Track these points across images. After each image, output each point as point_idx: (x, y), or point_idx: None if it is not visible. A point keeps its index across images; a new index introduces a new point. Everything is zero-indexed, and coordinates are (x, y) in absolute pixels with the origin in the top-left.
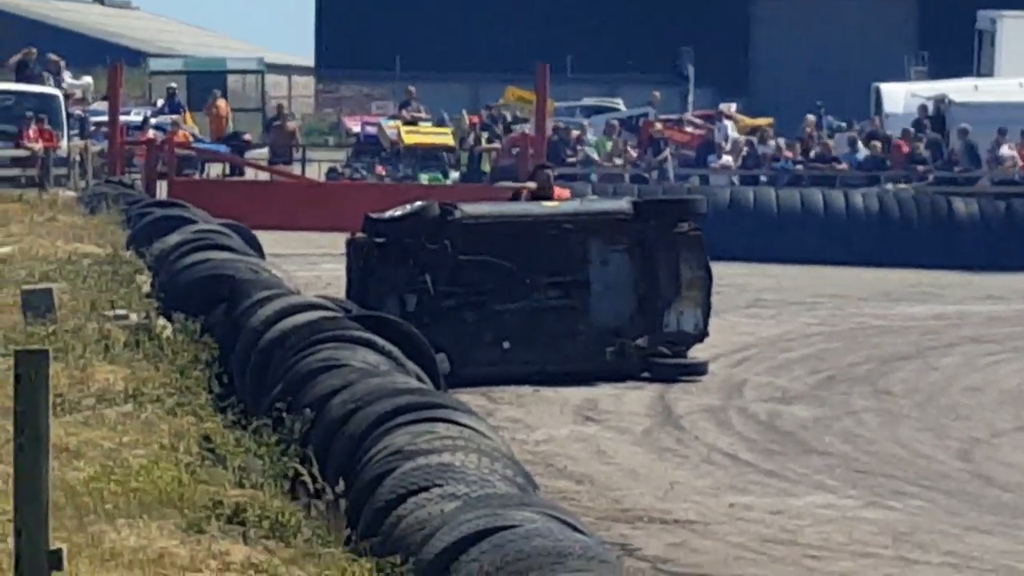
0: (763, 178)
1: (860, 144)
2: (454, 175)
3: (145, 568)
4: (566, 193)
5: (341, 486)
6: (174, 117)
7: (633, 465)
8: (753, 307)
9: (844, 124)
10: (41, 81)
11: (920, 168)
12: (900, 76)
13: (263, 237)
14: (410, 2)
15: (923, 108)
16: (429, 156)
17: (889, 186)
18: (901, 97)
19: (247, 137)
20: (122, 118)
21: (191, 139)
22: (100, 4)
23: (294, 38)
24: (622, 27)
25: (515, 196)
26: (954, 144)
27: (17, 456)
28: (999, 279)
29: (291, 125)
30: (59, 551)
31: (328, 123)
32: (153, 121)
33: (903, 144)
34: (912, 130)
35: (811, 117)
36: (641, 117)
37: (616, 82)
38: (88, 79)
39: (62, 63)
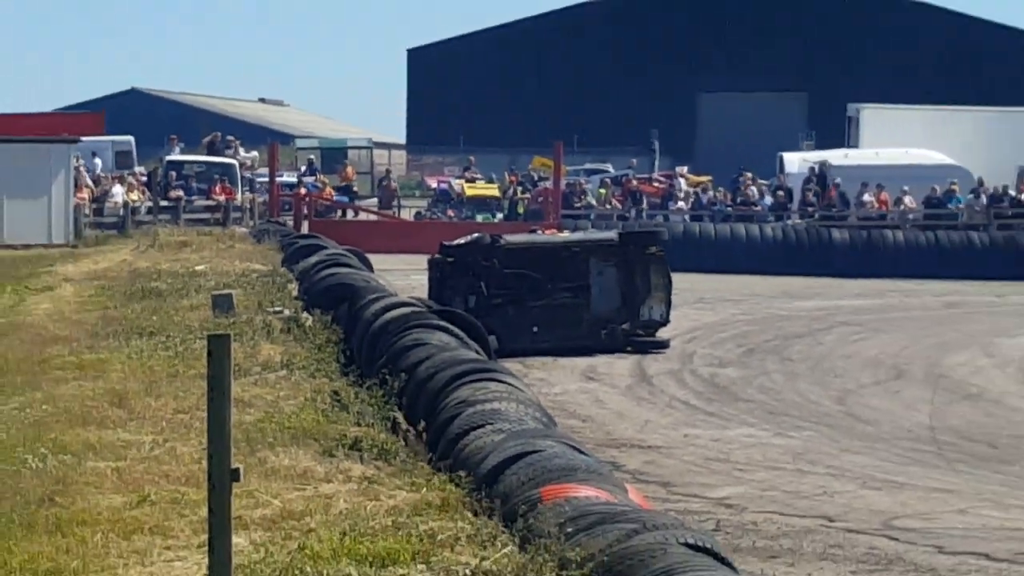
0: (705, 216)
1: (768, 193)
2: (499, 216)
3: (295, 479)
4: (554, 229)
5: (424, 425)
6: (314, 179)
7: (620, 409)
8: (700, 303)
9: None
10: (223, 154)
11: (810, 209)
12: (796, 147)
13: (373, 258)
14: (470, 99)
15: (812, 169)
16: (482, 203)
17: (790, 221)
18: (796, 161)
19: (355, 189)
20: (278, 179)
21: (333, 194)
22: (263, 102)
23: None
24: (612, 115)
25: (534, 230)
26: (832, 193)
27: (210, 406)
28: (862, 283)
29: (393, 184)
30: (238, 469)
31: (415, 181)
32: (300, 180)
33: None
34: (806, 184)
35: (749, 174)
36: (624, 176)
37: (607, 153)
38: (255, 153)
39: (237, 143)
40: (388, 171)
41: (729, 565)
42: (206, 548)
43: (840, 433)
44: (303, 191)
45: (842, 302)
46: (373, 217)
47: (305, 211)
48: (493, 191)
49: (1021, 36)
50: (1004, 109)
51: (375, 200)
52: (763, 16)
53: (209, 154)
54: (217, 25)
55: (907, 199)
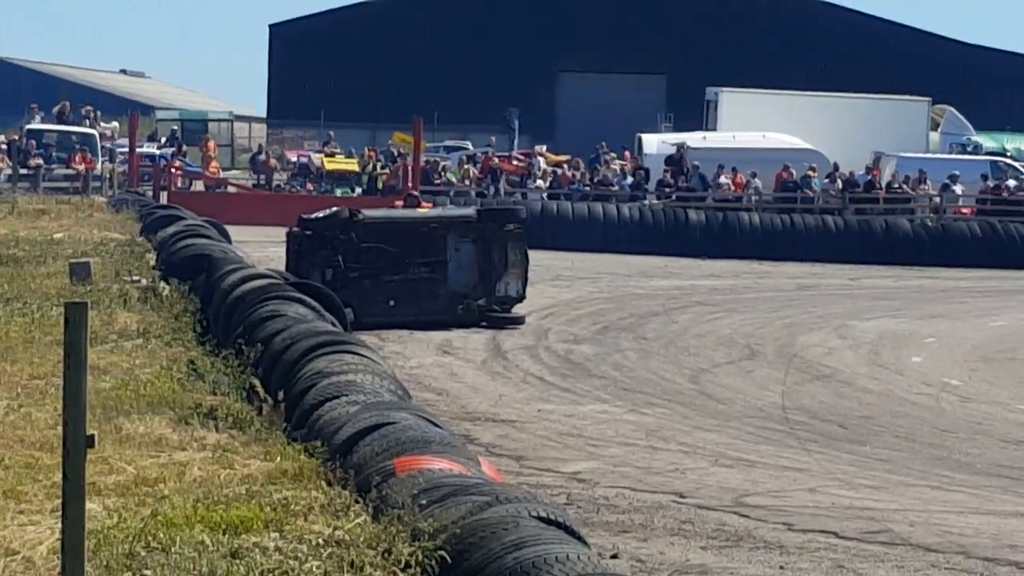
0: (563, 196)
1: (628, 174)
2: (358, 190)
3: (149, 446)
4: (429, 206)
5: (280, 396)
6: (173, 150)
7: (475, 383)
8: (556, 280)
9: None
10: (83, 124)
11: (667, 189)
12: (655, 129)
13: (231, 230)
14: (332, 75)
15: (670, 152)
16: (342, 178)
17: (647, 202)
18: (655, 143)
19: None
20: (138, 150)
21: (183, 167)
22: (124, 73)
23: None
24: (471, 92)
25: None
26: (689, 174)
27: (66, 373)
28: (717, 264)
29: (272, 161)
30: (92, 435)
31: (276, 154)
32: (158, 152)
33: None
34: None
35: (612, 154)
36: (483, 153)
37: (467, 130)
38: (115, 123)
39: (97, 113)
40: (261, 146)
41: (580, 539)
42: (60, 513)
43: (693, 411)
44: (178, 164)
45: (697, 282)
46: (232, 189)
47: (163, 183)
48: (352, 166)
49: (879, 24)
50: (860, 96)
51: (235, 173)
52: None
53: (58, 123)
54: None
55: (756, 181)
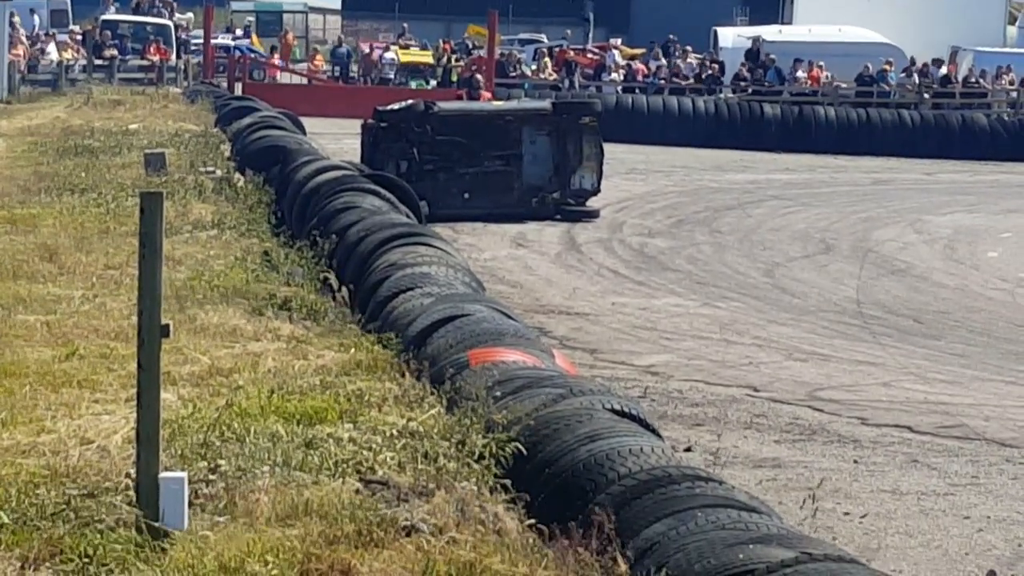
0: (638, 88)
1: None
2: (433, 83)
3: (224, 337)
4: (488, 95)
5: (354, 288)
6: (248, 41)
7: (549, 276)
8: (631, 174)
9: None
10: (158, 15)
11: (743, 83)
12: (730, 22)
13: (306, 122)
14: None
15: (746, 45)
16: (416, 70)
17: (722, 95)
18: (731, 37)
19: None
20: (213, 41)
21: (258, 57)
22: None
23: None
24: None
25: (459, 97)
26: (766, 68)
27: (141, 263)
28: (792, 158)
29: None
30: (167, 325)
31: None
32: (233, 44)
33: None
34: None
35: (689, 47)
36: (558, 47)
37: (541, 24)
38: (190, 15)
39: (173, 4)
40: (340, 38)
41: (654, 431)
42: (135, 403)
43: (767, 305)
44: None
45: (772, 176)
46: (304, 80)
47: (239, 73)
48: (427, 58)
49: None
50: None
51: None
52: None
53: (135, 15)
54: None
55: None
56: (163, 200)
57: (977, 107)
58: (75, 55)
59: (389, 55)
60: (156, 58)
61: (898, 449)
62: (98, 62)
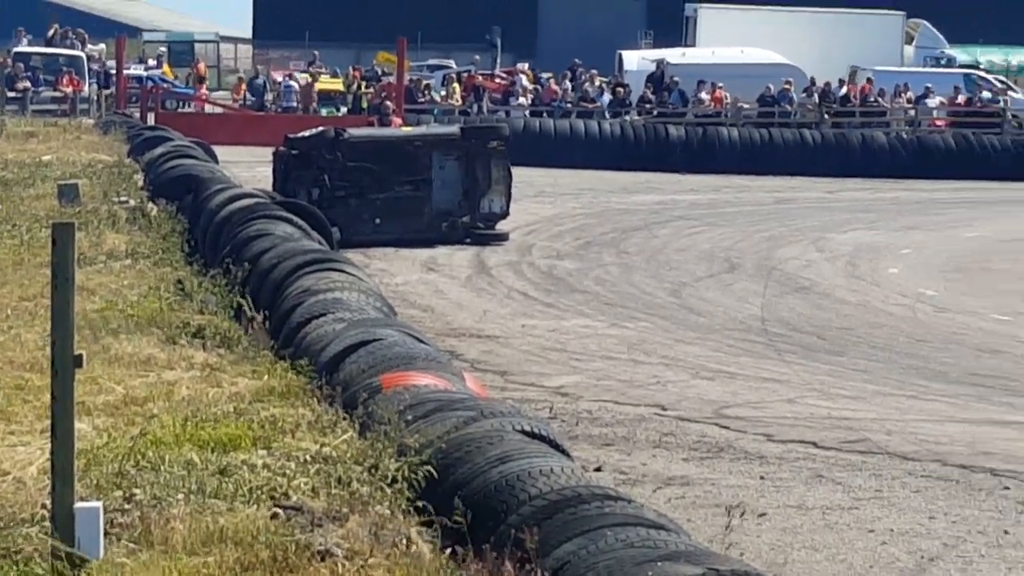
0: (545, 112)
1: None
2: (343, 110)
3: (138, 366)
4: (398, 121)
5: (267, 314)
6: (160, 72)
7: (459, 299)
8: (539, 196)
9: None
10: (71, 46)
11: (648, 106)
12: (635, 46)
13: (219, 150)
14: None
15: (650, 69)
16: (327, 98)
17: (628, 117)
18: (636, 60)
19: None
20: (125, 72)
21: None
22: None
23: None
24: (454, 11)
25: (370, 124)
26: (669, 91)
27: (53, 294)
28: (697, 178)
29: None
30: (80, 355)
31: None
32: (145, 74)
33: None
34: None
35: (594, 71)
36: (466, 73)
37: (449, 50)
38: (102, 46)
39: (85, 35)
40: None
41: (563, 452)
42: (49, 434)
43: (674, 324)
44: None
45: (678, 197)
46: (218, 110)
47: (151, 104)
48: (337, 85)
49: None
50: (836, 11)
51: (222, 94)
52: None
53: (48, 47)
54: None
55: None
56: (75, 231)
57: (876, 125)
58: None
59: (291, 83)
60: (69, 89)
61: (803, 464)
62: (11, 94)
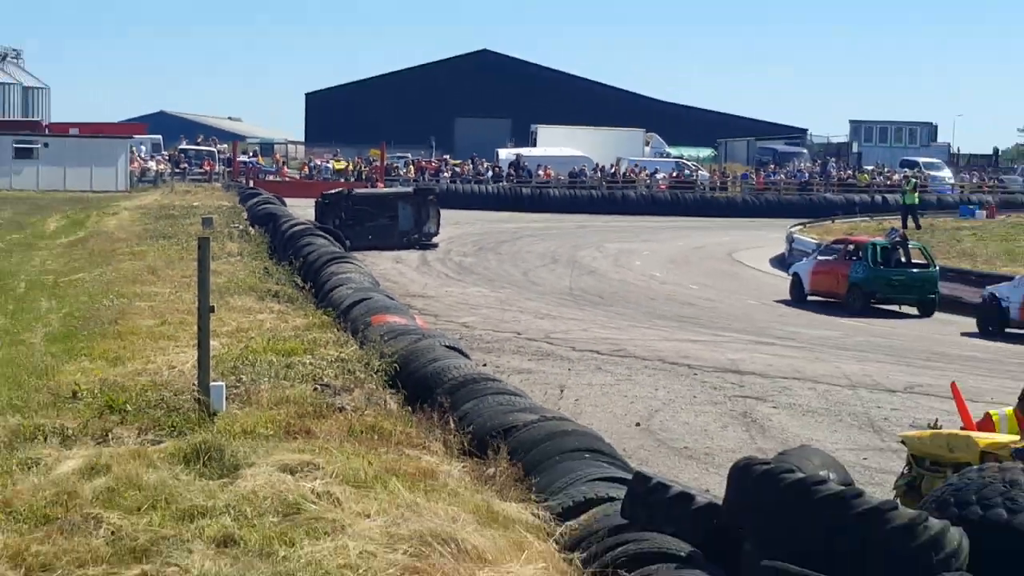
0: (459, 181)
1: (491, 170)
2: (352, 179)
3: (243, 312)
4: (381, 185)
5: (311, 286)
6: (257, 159)
7: (412, 278)
8: (453, 224)
9: (488, 162)
10: (208, 145)
11: (511, 177)
12: (505, 146)
13: (287, 200)
14: (339, 120)
15: (513, 158)
16: (342, 173)
17: (501, 184)
18: (505, 154)
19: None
20: (238, 159)
21: (261, 167)
22: (229, 119)
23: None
24: (411, 128)
25: (366, 186)
26: (523, 170)
27: (199, 273)
28: (536, 215)
29: (285, 169)
30: (213, 306)
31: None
32: (248, 160)
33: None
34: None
35: (484, 159)
36: (416, 160)
37: (407, 147)
38: (225, 145)
39: (215, 139)
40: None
41: (466, 356)
42: (197, 345)
43: (524, 290)
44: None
45: (527, 225)
46: (287, 179)
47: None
48: (348, 166)
49: (624, 93)
50: (610, 128)
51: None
52: (495, 82)
53: (196, 146)
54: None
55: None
56: (210, 241)
57: (630, 187)
58: (164, 167)
59: (326, 164)
60: (208, 168)
61: (591, 362)
62: (177, 170)
